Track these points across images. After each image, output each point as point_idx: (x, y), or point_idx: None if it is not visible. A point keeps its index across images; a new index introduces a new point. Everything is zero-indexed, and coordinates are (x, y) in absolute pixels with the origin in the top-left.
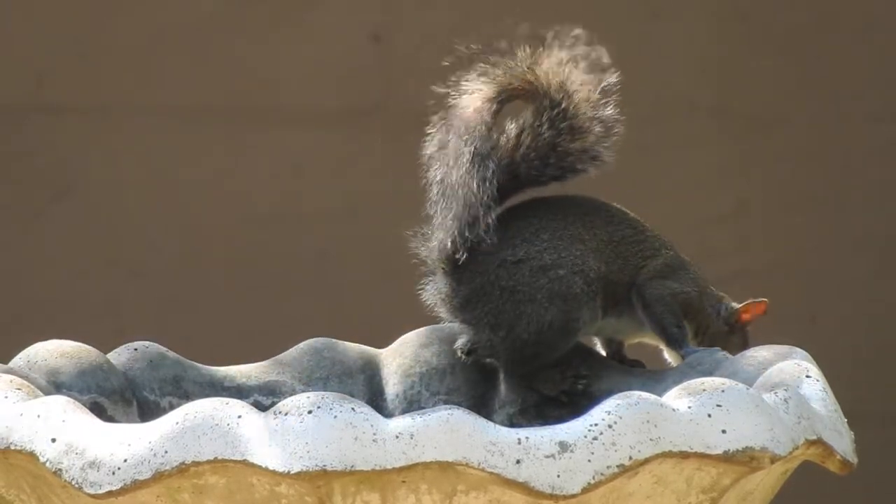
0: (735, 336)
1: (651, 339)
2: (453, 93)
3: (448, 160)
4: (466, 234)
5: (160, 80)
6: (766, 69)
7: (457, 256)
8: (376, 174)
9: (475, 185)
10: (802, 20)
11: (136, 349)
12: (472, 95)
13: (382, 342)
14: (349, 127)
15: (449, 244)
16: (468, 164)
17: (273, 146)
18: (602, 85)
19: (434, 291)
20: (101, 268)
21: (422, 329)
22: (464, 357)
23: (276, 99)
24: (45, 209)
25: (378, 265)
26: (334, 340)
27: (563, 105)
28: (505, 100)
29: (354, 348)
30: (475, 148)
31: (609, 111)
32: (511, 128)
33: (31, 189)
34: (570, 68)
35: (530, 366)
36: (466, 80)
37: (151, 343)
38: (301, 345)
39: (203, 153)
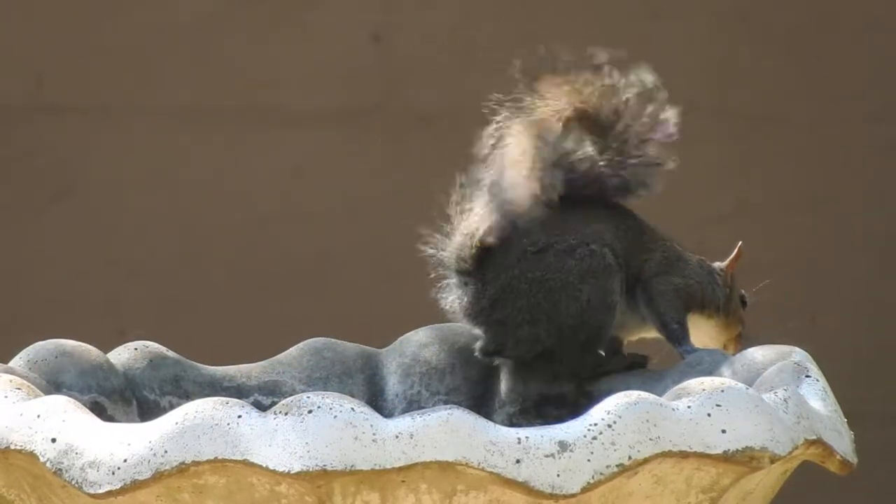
0: (733, 291)
1: (653, 335)
2: (523, 91)
3: (508, 158)
4: (509, 218)
5: (160, 81)
6: (766, 69)
7: (488, 240)
8: (376, 174)
9: (538, 188)
10: (802, 20)
11: (136, 349)
12: (547, 100)
13: (382, 342)
14: (349, 127)
15: (483, 229)
16: (532, 167)
17: (273, 146)
18: (666, 167)
19: (454, 297)
20: (101, 267)
21: (421, 329)
22: (486, 360)
23: (276, 99)
24: (45, 209)
25: (378, 265)
26: (334, 340)
27: (632, 161)
28: (579, 116)
29: (354, 348)
30: (544, 153)
31: (656, 186)
32: (567, 146)
33: (31, 189)
34: (656, 133)
35: (590, 351)
36: (543, 83)
37: (151, 343)
38: (301, 344)
39: (203, 153)
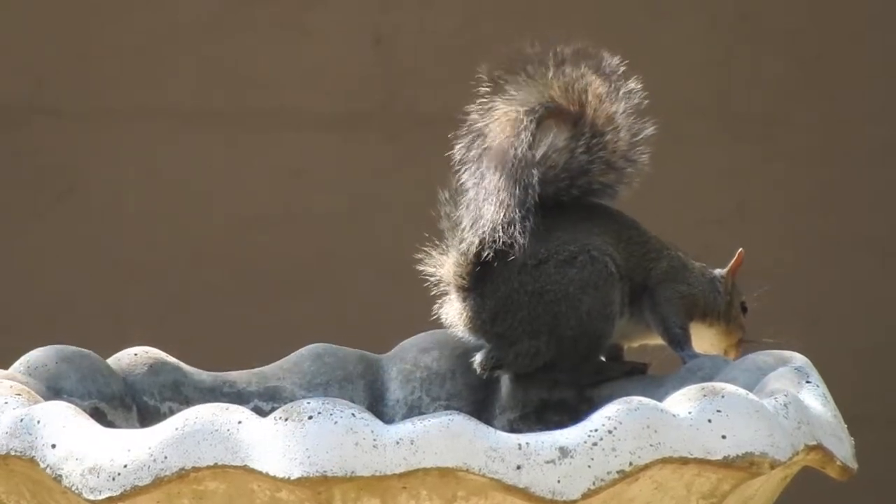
0: (734, 298)
1: (656, 342)
2: (491, 98)
3: (486, 164)
4: (500, 233)
5: (161, 83)
6: (767, 69)
7: (483, 255)
8: (377, 177)
9: (517, 190)
10: (803, 20)
11: (135, 354)
12: (516, 101)
13: (383, 347)
14: (350, 129)
15: (477, 242)
16: (511, 169)
17: (274, 149)
18: (644, 133)
19: (455, 312)
20: (102, 271)
21: (422, 334)
22: (485, 374)
23: (277, 101)
24: (45, 211)
25: (379, 269)
26: (334, 346)
27: (607, 138)
28: (549, 113)
29: (355, 353)
30: (521, 153)
31: (643, 158)
32: (543, 144)
33: (32, 191)
34: (620, 105)
35: (589, 360)
36: (510, 84)
37: (151, 348)
38: (301, 350)
39: (204, 156)
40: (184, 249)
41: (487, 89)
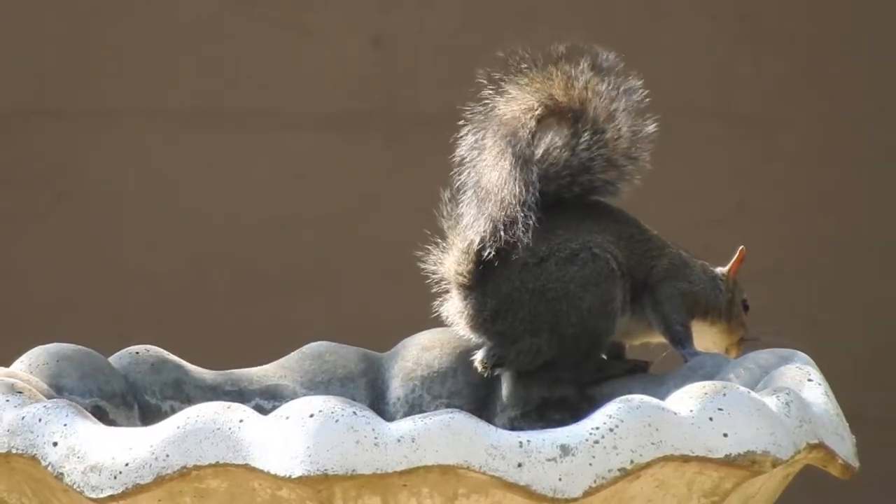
0: (735, 296)
1: (658, 339)
2: (492, 96)
3: (486, 162)
4: (501, 233)
5: (161, 84)
6: (767, 70)
7: (484, 254)
8: (378, 177)
9: (517, 187)
10: (803, 20)
11: (137, 352)
12: (516, 100)
13: (384, 346)
14: (351, 130)
15: (477, 241)
16: (511, 167)
17: (275, 149)
18: (645, 131)
19: (455, 310)
20: (103, 271)
21: (423, 332)
22: (487, 372)
23: (277, 102)
24: (46, 212)
25: (380, 268)
26: (336, 344)
27: (608, 135)
28: (549, 111)
29: (356, 352)
30: (519, 151)
31: (644, 155)
32: (543, 142)
33: (32, 192)
34: (621, 102)
35: (591, 358)
36: (510, 84)
37: (153, 347)
38: (303, 348)
39: (205, 156)
40: (184, 250)
41: (488, 90)
